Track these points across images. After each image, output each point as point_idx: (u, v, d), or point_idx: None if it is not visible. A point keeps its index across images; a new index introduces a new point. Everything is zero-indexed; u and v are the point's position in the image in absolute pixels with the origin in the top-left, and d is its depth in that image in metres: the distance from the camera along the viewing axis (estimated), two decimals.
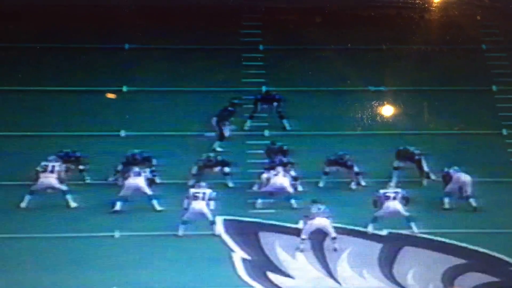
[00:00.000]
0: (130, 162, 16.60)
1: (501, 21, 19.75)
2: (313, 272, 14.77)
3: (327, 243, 15.19)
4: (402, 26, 19.69)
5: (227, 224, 15.65)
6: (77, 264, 14.57)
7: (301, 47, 19.58)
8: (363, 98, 18.76)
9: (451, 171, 16.55)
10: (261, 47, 19.45)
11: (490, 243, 15.33)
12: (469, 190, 16.34)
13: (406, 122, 18.42)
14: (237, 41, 19.44)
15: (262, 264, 14.82)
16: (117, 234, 15.34)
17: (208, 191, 15.34)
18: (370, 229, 15.50)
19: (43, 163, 16.08)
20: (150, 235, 15.29)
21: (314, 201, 15.42)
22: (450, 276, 14.69)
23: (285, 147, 17.08)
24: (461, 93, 19.07)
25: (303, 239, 15.12)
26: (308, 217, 15.17)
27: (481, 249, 15.27)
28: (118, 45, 19.17)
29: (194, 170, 16.79)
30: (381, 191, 15.63)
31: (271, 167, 16.54)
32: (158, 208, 16.01)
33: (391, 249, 15.23)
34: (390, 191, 15.60)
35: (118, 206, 15.89)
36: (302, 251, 15.08)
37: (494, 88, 19.19)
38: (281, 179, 16.13)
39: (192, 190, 15.40)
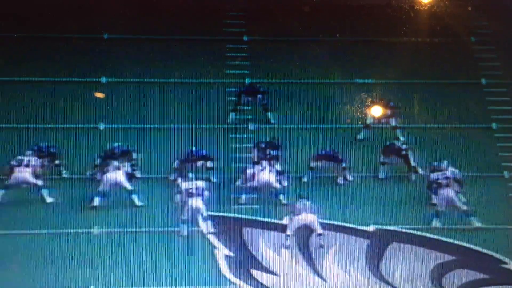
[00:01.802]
0: (109, 156, 16.17)
1: (491, 13, 19.49)
2: (298, 269, 14.52)
3: (313, 239, 14.90)
4: (390, 18, 19.37)
5: (210, 220, 15.29)
6: (53, 261, 14.20)
7: (287, 38, 19.22)
8: (351, 90, 18.43)
9: (441, 165, 16.34)
10: (245, 38, 19.08)
11: (479, 239, 15.10)
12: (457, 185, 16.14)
13: (393, 115, 18.11)
14: (221, 31, 19.04)
15: (246, 261, 14.54)
16: (95, 230, 14.94)
17: (201, 184, 14.99)
18: (435, 224, 14.97)
19: (18, 157, 15.63)
20: (130, 232, 14.93)
21: (300, 197, 15.15)
22: (438, 273, 14.50)
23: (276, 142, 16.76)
24: (449, 86, 18.81)
25: (288, 236, 14.83)
26: (293, 213, 14.90)
27: (470, 246, 15.04)
28: (97, 34, 18.71)
29: (176, 164, 16.42)
30: (433, 175, 15.08)
31: (256, 161, 16.24)
32: (138, 203, 15.62)
33: (379, 245, 14.98)
34: (440, 176, 15.09)
35: (96, 201, 15.47)
36: (287, 247, 14.80)
37: (483, 81, 18.94)
38: (267, 174, 15.83)
39: (184, 186, 15.03)
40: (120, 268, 14.16)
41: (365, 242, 15.00)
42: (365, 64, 18.67)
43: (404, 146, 16.87)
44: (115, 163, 15.79)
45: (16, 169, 15.52)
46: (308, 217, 14.83)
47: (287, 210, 15.17)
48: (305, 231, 14.91)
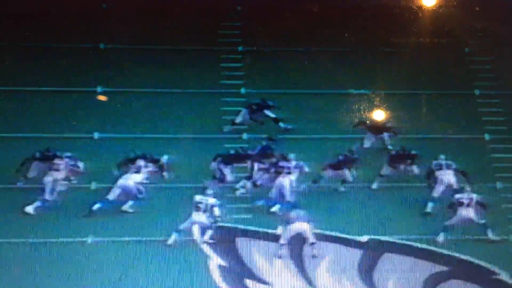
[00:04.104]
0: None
1: (485, 24, 19.58)
2: (291, 280, 14.50)
3: (307, 249, 14.90)
4: (384, 29, 19.46)
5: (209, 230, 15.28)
6: (46, 271, 14.17)
7: (281, 48, 19.28)
8: (345, 101, 18.49)
9: (433, 166, 16.28)
10: (240, 48, 19.13)
11: (473, 250, 15.13)
12: (456, 186, 16.10)
13: (387, 126, 18.14)
14: (215, 42, 19.10)
15: (240, 271, 14.53)
16: (90, 239, 14.92)
17: (212, 201, 14.98)
18: (441, 238, 15.10)
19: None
20: (125, 241, 14.90)
21: (293, 206, 15.15)
22: (431, 284, 14.53)
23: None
24: (443, 97, 18.87)
25: (282, 245, 14.83)
26: (287, 222, 14.89)
27: (462, 256, 15.07)
28: (93, 45, 18.76)
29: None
30: (456, 196, 15.32)
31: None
32: (130, 210, 15.57)
33: (372, 256, 14.98)
34: (465, 196, 15.28)
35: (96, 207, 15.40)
36: (280, 257, 14.80)
37: (476, 92, 19.00)
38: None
39: (196, 198, 15.00)
40: (113, 278, 14.11)
41: (358, 252, 15.00)
42: (359, 75, 18.71)
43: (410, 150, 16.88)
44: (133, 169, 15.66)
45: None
46: (302, 226, 14.81)
47: (280, 219, 15.16)
48: (299, 240, 14.91)
